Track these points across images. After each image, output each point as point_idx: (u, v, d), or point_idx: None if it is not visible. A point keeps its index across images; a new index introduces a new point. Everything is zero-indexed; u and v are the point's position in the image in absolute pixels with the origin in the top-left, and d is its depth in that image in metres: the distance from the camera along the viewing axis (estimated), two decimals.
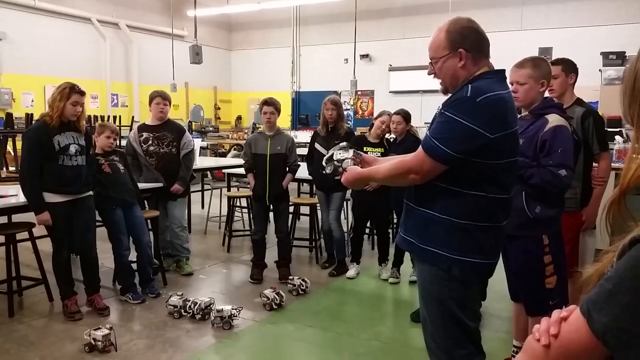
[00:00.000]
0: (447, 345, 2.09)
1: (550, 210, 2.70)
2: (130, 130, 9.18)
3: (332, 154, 2.26)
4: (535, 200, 2.66)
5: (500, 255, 2.22)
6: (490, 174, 1.95)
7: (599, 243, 3.47)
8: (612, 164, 3.53)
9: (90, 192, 4.04)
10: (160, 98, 4.93)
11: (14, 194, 4.10)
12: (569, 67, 3.30)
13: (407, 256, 4.89)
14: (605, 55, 7.92)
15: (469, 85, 1.94)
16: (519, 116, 2.79)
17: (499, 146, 1.92)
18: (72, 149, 3.82)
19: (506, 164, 1.98)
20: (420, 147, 1.98)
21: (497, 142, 1.89)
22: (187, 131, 5.26)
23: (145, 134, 4.94)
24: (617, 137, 5.56)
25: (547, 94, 2.91)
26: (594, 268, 0.89)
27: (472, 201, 1.95)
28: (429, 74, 2.11)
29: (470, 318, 2.09)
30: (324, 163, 2.29)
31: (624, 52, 7.68)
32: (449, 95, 2.04)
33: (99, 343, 3.35)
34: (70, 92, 3.76)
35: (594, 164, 3.37)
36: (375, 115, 5.23)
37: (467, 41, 1.98)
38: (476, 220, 1.97)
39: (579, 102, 3.33)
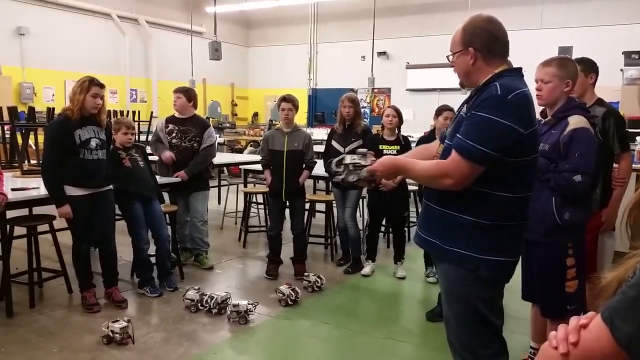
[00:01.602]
0: (471, 344, 2.07)
1: (579, 216, 2.67)
2: (149, 126, 9.29)
3: (343, 157, 2.18)
4: (565, 207, 2.63)
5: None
6: (519, 172, 1.95)
7: (618, 245, 3.43)
8: (633, 165, 3.48)
9: (110, 186, 4.09)
10: (175, 93, 5.08)
11: (36, 186, 4.17)
12: (588, 67, 3.26)
13: (421, 254, 4.87)
14: (627, 54, 7.82)
15: (496, 83, 1.93)
16: (542, 121, 2.76)
17: (529, 142, 1.93)
18: (93, 143, 3.88)
19: (532, 160, 1.99)
20: (453, 152, 1.92)
21: (528, 138, 1.90)
22: (210, 126, 5.31)
23: (170, 126, 5.05)
24: (638, 138, 5.49)
25: None
26: (613, 274, 0.86)
27: (500, 202, 1.93)
28: (451, 66, 2.13)
29: (496, 316, 2.07)
30: (333, 165, 2.21)
31: None
32: (466, 90, 2.04)
33: (117, 335, 3.40)
34: (90, 84, 3.82)
35: (615, 165, 3.33)
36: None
37: (478, 41, 2.00)
38: (504, 220, 1.95)
39: (599, 102, 3.28)
